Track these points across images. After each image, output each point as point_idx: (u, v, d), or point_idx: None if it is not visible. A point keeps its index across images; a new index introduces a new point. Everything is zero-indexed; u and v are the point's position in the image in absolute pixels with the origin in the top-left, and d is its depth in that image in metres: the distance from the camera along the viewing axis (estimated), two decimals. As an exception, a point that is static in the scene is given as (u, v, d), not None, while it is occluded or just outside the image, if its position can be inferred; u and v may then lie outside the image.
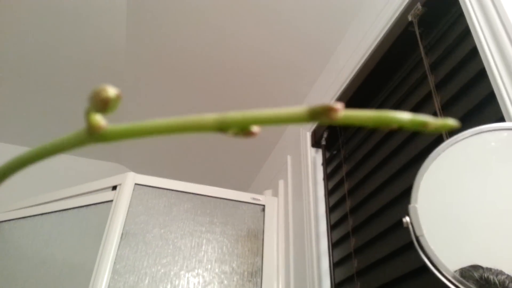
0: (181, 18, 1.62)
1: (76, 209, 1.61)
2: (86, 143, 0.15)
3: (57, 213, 1.63)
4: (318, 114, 0.14)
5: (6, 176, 0.15)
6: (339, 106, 0.14)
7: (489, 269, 0.55)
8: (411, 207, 0.67)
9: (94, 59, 1.89)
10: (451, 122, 0.16)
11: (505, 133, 0.66)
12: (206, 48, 1.74)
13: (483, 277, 0.54)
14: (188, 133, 0.15)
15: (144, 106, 2.14)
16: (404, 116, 0.16)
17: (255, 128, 0.15)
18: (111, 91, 0.15)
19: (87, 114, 0.15)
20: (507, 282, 0.52)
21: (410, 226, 0.65)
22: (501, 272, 0.54)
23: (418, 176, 0.69)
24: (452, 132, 0.73)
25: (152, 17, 1.64)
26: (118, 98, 0.15)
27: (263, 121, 0.15)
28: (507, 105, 0.76)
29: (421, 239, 0.63)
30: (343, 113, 0.15)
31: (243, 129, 0.15)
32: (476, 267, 0.56)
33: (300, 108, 0.15)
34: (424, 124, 0.15)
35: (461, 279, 0.56)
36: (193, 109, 2.10)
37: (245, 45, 1.70)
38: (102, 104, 0.14)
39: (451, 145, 0.69)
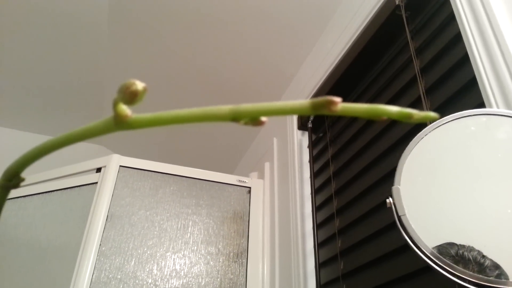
0: (161, 16, 1.62)
1: (60, 191, 1.60)
2: (113, 130, 0.17)
3: (40, 195, 1.62)
4: (320, 106, 0.16)
5: (34, 159, 0.16)
6: (338, 100, 0.16)
7: (463, 246, 0.58)
8: (394, 188, 0.70)
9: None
10: (433, 114, 0.18)
11: (484, 118, 0.69)
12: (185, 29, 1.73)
13: (459, 253, 0.58)
14: (205, 122, 0.17)
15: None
16: (392, 109, 0.18)
17: (263, 118, 0.17)
18: (140, 84, 0.16)
19: (115, 104, 0.16)
20: (479, 257, 0.56)
21: (393, 207, 0.68)
22: (472, 249, 0.57)
23: (401, 159, 0.72)
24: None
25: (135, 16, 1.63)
26: (145, 90, 0.16)
27: (271, 113, 0.17)
28: (487, 90, 0.79)
29: (403, 218, 0.66)
30: (341, 106, 0.17)
31: (253, 119, 0.17)
32: (451, 244, 0.60)
33: (304, 102, 0.17)
34: (409, 116, 0.17)
35: (438, 255, 0.59)
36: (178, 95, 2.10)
37: (232, 25, 1.69)
38: (131, 96, 0.16)
39: (433, 129, 0.71)
